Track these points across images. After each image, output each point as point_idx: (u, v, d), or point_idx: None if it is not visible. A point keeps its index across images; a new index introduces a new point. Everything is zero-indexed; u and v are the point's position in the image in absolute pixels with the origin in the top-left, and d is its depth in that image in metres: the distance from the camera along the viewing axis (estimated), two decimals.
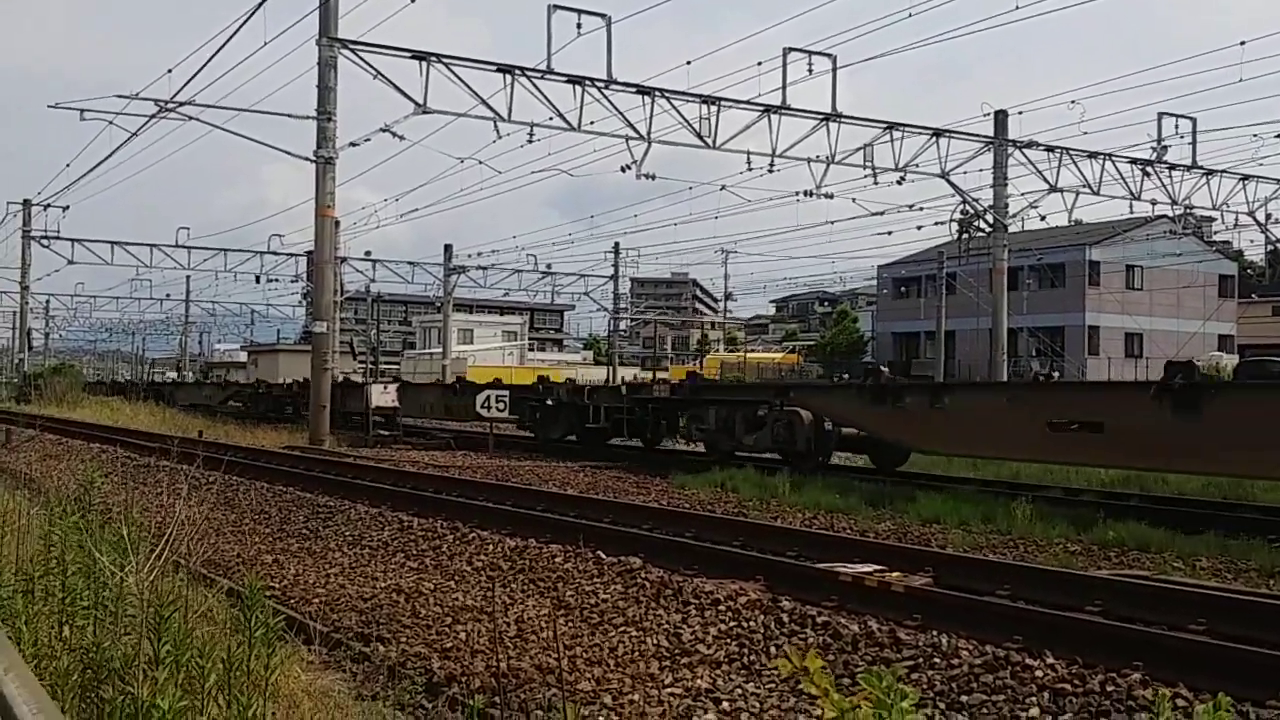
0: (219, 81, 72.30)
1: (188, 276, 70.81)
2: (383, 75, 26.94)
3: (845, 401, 20.08)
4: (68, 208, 50.39)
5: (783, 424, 19.97)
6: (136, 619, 5.35)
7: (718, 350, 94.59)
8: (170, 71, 31.66)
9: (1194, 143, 36.60)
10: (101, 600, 5.93)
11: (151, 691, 4.56)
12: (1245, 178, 39.53)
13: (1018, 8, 28.69)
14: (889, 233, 70.03)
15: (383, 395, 30.30)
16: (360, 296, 58.55)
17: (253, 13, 26.41)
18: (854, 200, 36.73)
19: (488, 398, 25.45)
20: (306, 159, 27.54)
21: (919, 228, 59.96)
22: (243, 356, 75.86)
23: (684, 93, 30.27)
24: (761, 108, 30.93)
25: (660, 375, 47.02)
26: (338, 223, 33.08)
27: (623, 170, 30.91)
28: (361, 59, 26.93)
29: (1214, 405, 14.04)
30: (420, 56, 26.97)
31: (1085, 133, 64.38)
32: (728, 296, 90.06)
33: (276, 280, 61.36)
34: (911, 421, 18.01)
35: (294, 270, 59.26)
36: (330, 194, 27.56)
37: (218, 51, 27.32)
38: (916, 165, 34.46)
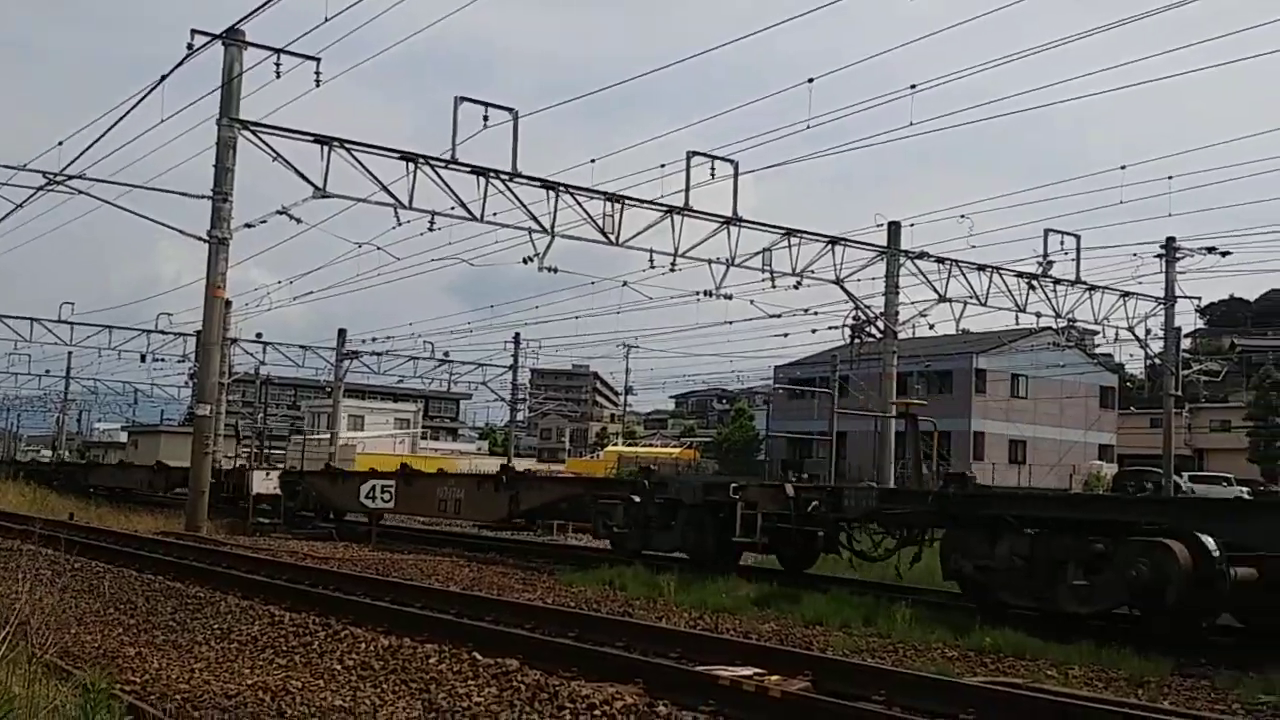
0: (113, 156, 71.15)
1: (69, 353, 68.96)
2: (282, 158, 26.74)
3: None
4: None
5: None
6: None
7: (616, 443, 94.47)
8: (61, 144, 30.94)
9: (1078, 259, 37.85)
10: None
11: None
12: (1126, 294, 40.93)
13: (911, 124, 29.60)
14: (785, 334, 70.86)
15: (264, 482, 29.63)
16: (249, 379, 57.51)
17: (152, 88, 26.09)
18: (752, 302, 37.19)
19: (372, 487, 25.02)
20: (200, 238, 27.11)
21: (814, 331, 60.81)
22: (123, 437, 73.84)
23: (588, 189, 30.47)
24: (665, 208, 31.25)
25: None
26: (229, 303, 32.57)
27: (525, 262, 30.87)
28: (262, 140, 26.72)
29: None
30: (322, 141, 26.82)
31: (974, 246, 66.08)
32: (628, 390, 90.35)
33: (163, 360, 59.93)
34: None
35: (181, 350, 57.86)
36: (222, 274, 27.10)
37: (113, 126, 26.87)
38: (813, 271, 35.02)
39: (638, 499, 20.71)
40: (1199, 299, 45.55)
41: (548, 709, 8.42)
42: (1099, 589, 13.07)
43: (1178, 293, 42.12)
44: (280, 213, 28.05)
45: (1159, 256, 41.69)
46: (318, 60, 25.83)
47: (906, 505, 17.11)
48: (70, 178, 28.03)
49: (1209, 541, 12.24)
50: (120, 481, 44.92)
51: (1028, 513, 14.71)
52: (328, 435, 58.54)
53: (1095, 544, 13.12)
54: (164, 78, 25.95)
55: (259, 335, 59.08)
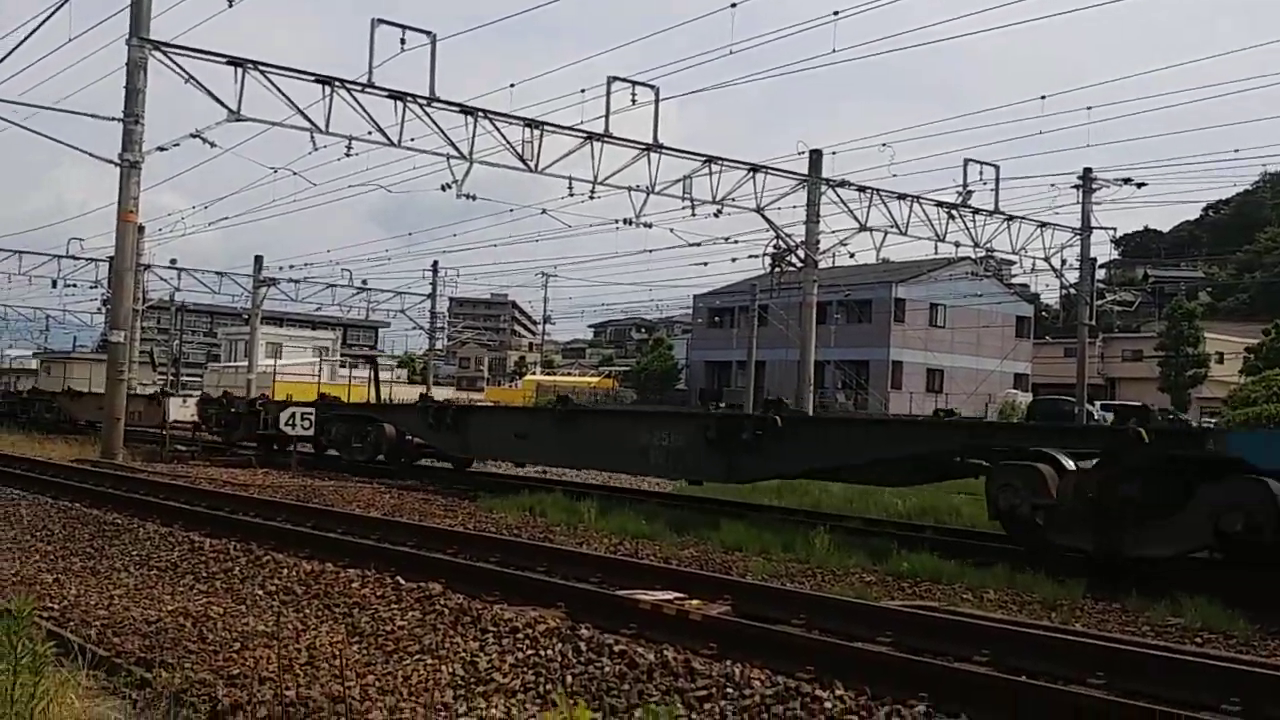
0: (20, 76, 69.03)
1: None
2: (195, 79, 26.14)
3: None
4: None
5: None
6: None
7: (534, 373, 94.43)
8: None
9: (996, 189, 38.38)
10: None
11: None
12: (1043, 224, 41.59)
13: (834, 50, 29.66)
14: (705, 263, 71.38)
15: (181, 409, 29.25)
16: (164, 306, 56.51)
17: (59, 6, 25.32)
18: (672, 230, 37.29)
19: (292, 414, 24.81)
20: (111, 161, 26.46)
21: (733, 260, 60.96)
22: (34, 364, 72.25)
23: (507, 115, 30.20)
24: (584, 134, 31.06)
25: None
26: (142, 228, 31.99)
27: (443, 189, 30.66)
28: (174, 62, 26.06)
29: None
30: (236, 63, 26.24)
31: (895, 175, 66.58)
32: (547, 320, 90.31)
33: (75, 285, 58.63)
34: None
35: (94, 276, 56.65)
36: (134, 199, 26.51)
37: (18, 46, 26.12)
38: (733, 199, 35.10)
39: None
40: (1114, 230, 46.58)
41: (471, 632, 8.49)
42: (364, 448, 16.00)
43: (1093, 223, 42.91)
44: (193, 136, 27.49)
45: (1076, 187, 42.43)
46: None
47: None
48: None
49: None
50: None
51: (343, 413, 22.83)
52: (245, 363, 57.80)
53: (367, 427, 16.87)
54: None
55: (173, 261, 58.01)
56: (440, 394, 56.08)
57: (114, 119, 26.34)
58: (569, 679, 7.36)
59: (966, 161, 37.48)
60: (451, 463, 25.67)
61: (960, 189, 37.87)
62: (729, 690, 6.95)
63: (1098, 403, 53.37)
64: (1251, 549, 11.36)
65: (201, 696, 6.92)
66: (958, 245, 40.32)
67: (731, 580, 10.78)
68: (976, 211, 38.90)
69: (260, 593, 10.21)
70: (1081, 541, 12.38)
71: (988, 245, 40.72)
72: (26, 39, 25.83)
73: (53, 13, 25.52)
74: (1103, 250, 50.75)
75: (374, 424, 25.58)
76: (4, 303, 72.26)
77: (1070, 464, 12.85)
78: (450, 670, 7.57)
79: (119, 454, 26.08)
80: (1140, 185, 41.40)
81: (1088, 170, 42.47)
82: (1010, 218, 40.00)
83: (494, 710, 6.79)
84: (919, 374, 69.95)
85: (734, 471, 18.04)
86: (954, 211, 38.61)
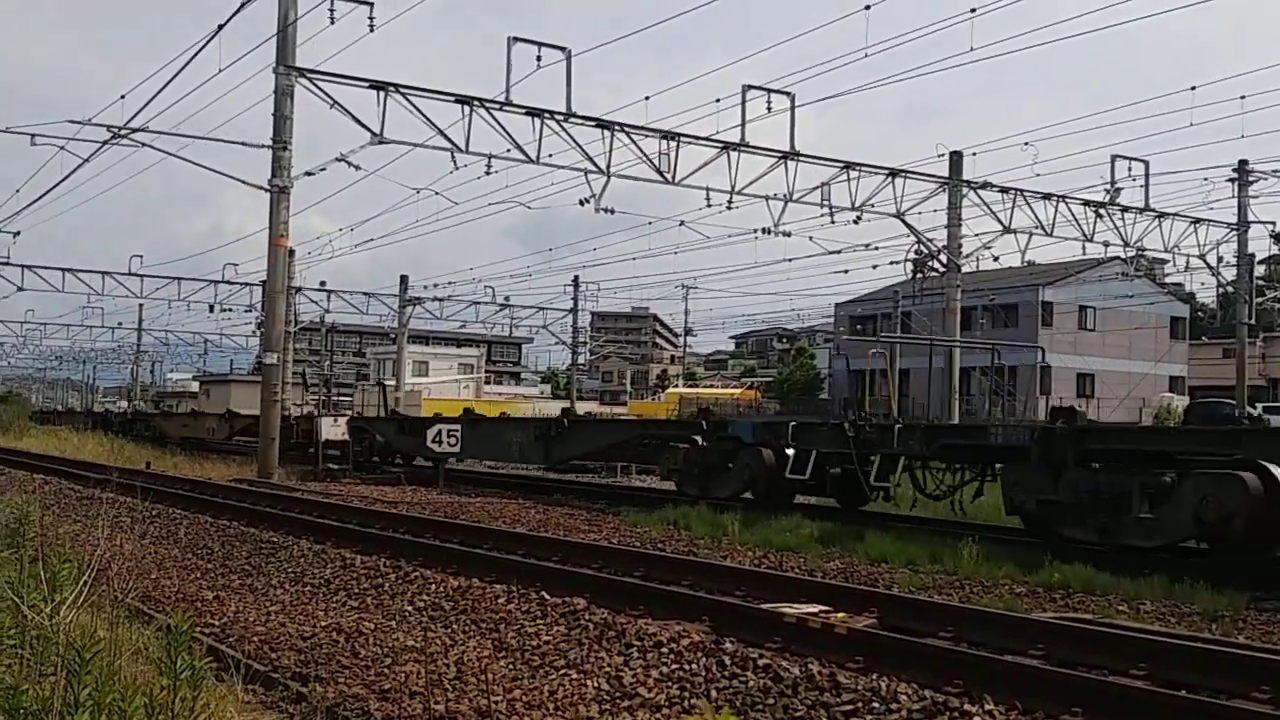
0: (174, 108, 71.74)
1: (140, 305, 69.97)
2: (339, 104, 26.85)
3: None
4: (19, 233, 49.57)
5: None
6: (59, 660, 5.21)
7: (677, 385, 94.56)
8: (124, 97, 31.47)
9: (1146, 185, 37.09)
10: (28, 640, 5.77)
11: None
12: (1196, 221, 40.09)
13: (972, 49, 29.08)
14: (845, 271, 70.25)
15: (333, 428, 30.03)
16: (314, 327, 58.13)
17: (210, 39, 26.26)
18: (811, 239, 36.93)
19: (439, 432, 25.27)
20: (261, 188, 27.38)
21: (874, 267, 59.87)
22: (195, 386, 75.06)
23: (643, 127, 30.33)
24: (720, 144, 31.03)
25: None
26: (292, 252, 32.89)
27: (581, 204, 30.89)
28: (319, 88, 26.84)
29: None
30: (378, 86, 26.89)
31: (1039, 174, 64.90)
32: (688, 332, 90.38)
33: (230, 310, 60.77)
34: None
35: (248, 300, 58.58)
36: (284, 223, 27.38)
37: (173, 78, 27.15)
38: (872, 205, 34.64)
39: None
40: (1273, 224, 44.59)
41: (615, 646, 8.52)
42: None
43: (1251, 218, 41.26)
44: (339, 159, 28.27)
45: (1231, 180, 40.73)
46: (371, 4, 25.88)
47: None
48: (134, 130, 28.37)
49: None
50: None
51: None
52: (393, 381, 59.12)
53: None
54: (221, 27, 26.14)
55: (323, 283, 59.71)
56: (583, 408, 56.62)
57: (264, 146, 27.27)
58: (713, 693, 7.33)
59: (1114, 158, 36.34)
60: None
61: (1108, 186, 36.74)
62: (875, 705, 6.84)
63: (1259, 405, 51.27)
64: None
65: (355, 710, 7.09)
66: (1106, 245, 39.13)
67: (877, 593, 10.63)
68: (1125, 209, 37.71)
69: (409, 608, 10.40)
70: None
71: (1138, 244, 39.44)
72: (180, 72, 26.66)
73: (204, 44, 26.44)
74: (1261, 246, 48.71)
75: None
76: (165, 328, 75.22)
77: None
78: (595, 684, 7.61)
79: (274, 473, 26.90)
80: None
81: (1243, 162, 40.84)
82: (1161, 214, 38.66)
83: None
84: (1069, 378, 68.09)
85: (549, 456, 25.77)
86: (1102, 210, 37.49)
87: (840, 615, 8.97)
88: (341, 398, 59.11)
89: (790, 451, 18.98)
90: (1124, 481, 13.39)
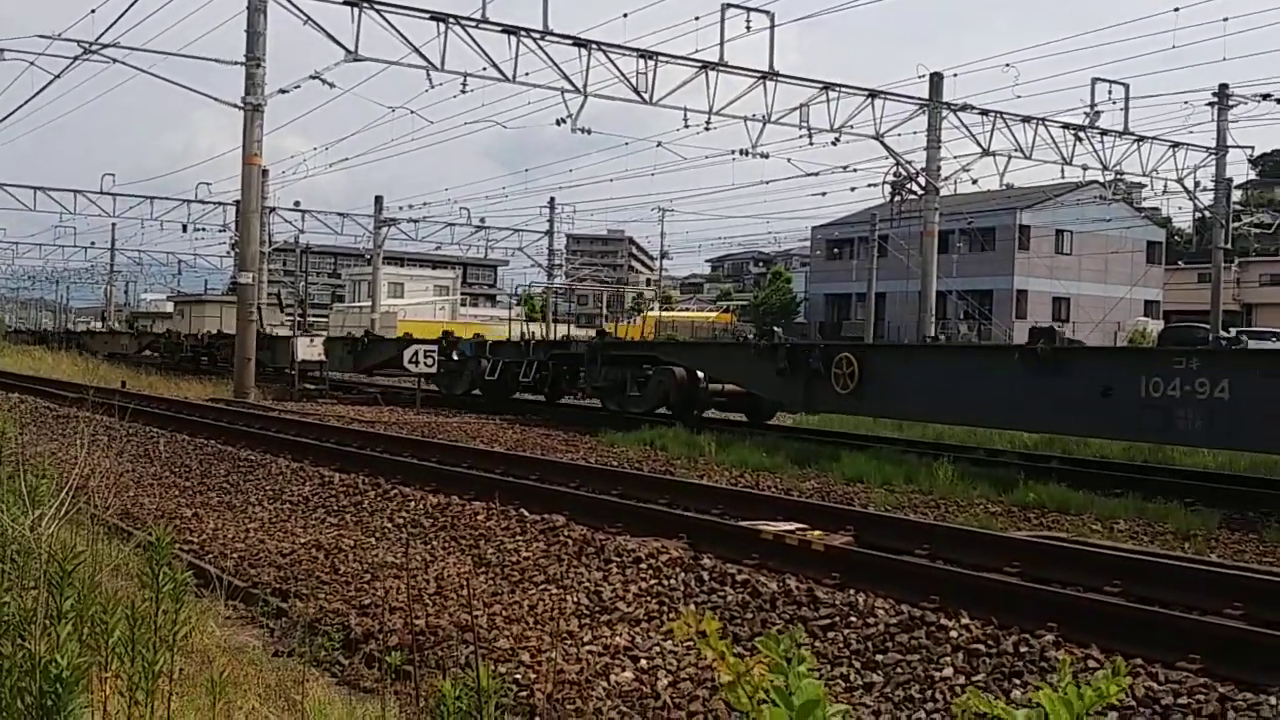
0: (145, 23, 70.47)
1: (113, 224, 69.32)
2: (313, 20, 26.45)
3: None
4: None
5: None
6: (40, 571, 5.21)
7: (653, 309, 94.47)
8: (94, 12, 30.64)
9: (1126, 108, 36.96)
10: (10, 554, 5.77)
11: (50, 647, 4.44)
12: (1175, 145, 40.03)
13: None
14: (823, 194, 70.46)
15: (309, 348, 29.92)
16: (289, 248, 57.73)
17: None
18: (789, 160, 36.81)
19: (415, 352, 25.23)
20: (234, 105, 26.99)
21: (853, 189, 60.12)
22: (169, 307, 74.59)
23: (621, 46, 29.99)
24: (699, 64, 30.71)
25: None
26: (266, 171, 32.61)
27: (558, 124, 30.65)
28: (292, 3, 26.39)
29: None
30: (352, 3, 26.45)
31: (1019, 97, 64.88)
32: (664, 255, 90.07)
33: (204, 230, 60.18)
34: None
35: (222, 220, 57.99)
36: (258, 142, 27.05)
37: None
38: (851, 127, 34.43)
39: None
40: (1251, 148, 44.63)
41: (594, 562, 8.59)
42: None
43: (1229, 142, 41.15)
44: (313, 77, 27.91)
45: (1211, 104, 40.55)
46: None
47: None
48: (105, 46, 27.86)
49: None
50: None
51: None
52: (369, 303, 58.90)
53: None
54: None
55: (297, 203, 59.20)
56: (561, 330, 56.44)
57: (237, 63, 26.85)
58: (692, 607, 7.40)
59: (1094, 80, 36.14)
60: None
61: (1088, 109, 36.61)
62: (853, 619, 6.93)
63: (1233, 329, 51.61)
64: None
65: (335, 625, 7.13)
66: (1085, 169, 39.07)
67: (854, 511, 10.74)
68: (1105, 133, 37.60)
69: (389, 525, 10.45)
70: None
71: (1117, 168, 39.39)
72: None
73: None
74: (1239, 170, 49.01)
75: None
76: (139, 248, 74.58)
77: None
78: (575, 600, 7.67)
79: (250, 393, 26.84)
80: None
81: (1223, 86, 40.66)
82: (1140, 138, 38.57)
83: (618, 638, 6.86)
84: (1045, 302, 68.30)
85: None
86: (1081, 133, 37.38)
87: (817, 533, 9.05)
88: (317, 318, 58.87)
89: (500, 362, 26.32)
90: (625, 373, 22.30)
